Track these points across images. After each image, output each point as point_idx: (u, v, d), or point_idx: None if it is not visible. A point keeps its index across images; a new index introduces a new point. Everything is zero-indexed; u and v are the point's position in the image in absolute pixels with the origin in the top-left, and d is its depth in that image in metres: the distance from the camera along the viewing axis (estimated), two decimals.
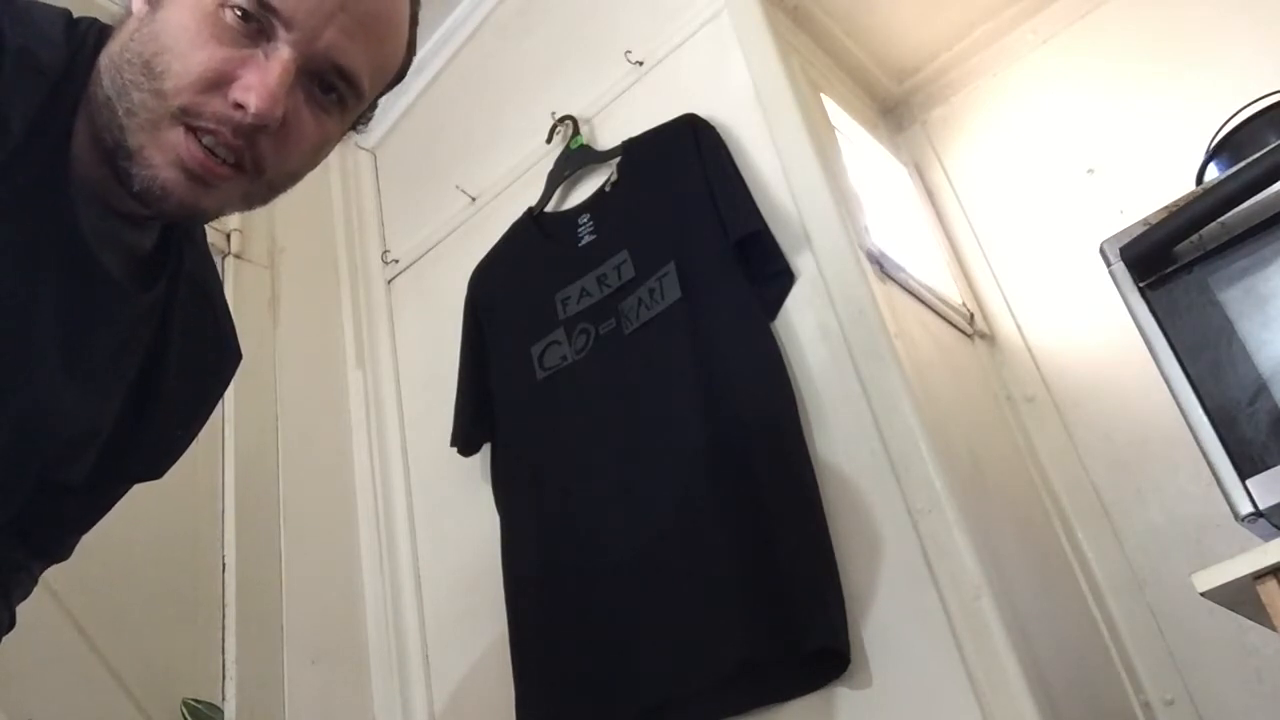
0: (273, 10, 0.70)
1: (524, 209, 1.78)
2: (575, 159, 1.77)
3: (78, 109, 0.72)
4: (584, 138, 1.79)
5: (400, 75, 0.82)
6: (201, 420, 0.92)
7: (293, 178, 0.78)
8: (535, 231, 1.73)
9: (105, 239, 0.75)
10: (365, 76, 0.76)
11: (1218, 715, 1.44)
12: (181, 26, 0.70)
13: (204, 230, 0.88)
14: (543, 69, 1.98)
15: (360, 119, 0.82)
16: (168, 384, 0.83)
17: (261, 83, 0.69)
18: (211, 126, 0.69)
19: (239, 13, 0.70)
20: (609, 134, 1.78)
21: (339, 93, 0.75)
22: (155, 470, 0.90)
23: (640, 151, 1.65)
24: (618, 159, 1.68)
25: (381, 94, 0.82)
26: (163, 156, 0.69)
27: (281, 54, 0.70)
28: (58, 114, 0.70)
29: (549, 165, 1.80)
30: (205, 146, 0.70)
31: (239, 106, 0.69)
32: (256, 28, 0.70)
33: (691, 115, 1.61)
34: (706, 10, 1.72)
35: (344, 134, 0.81)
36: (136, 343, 0.81)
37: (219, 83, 0.69)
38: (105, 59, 0.72)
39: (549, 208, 1.76)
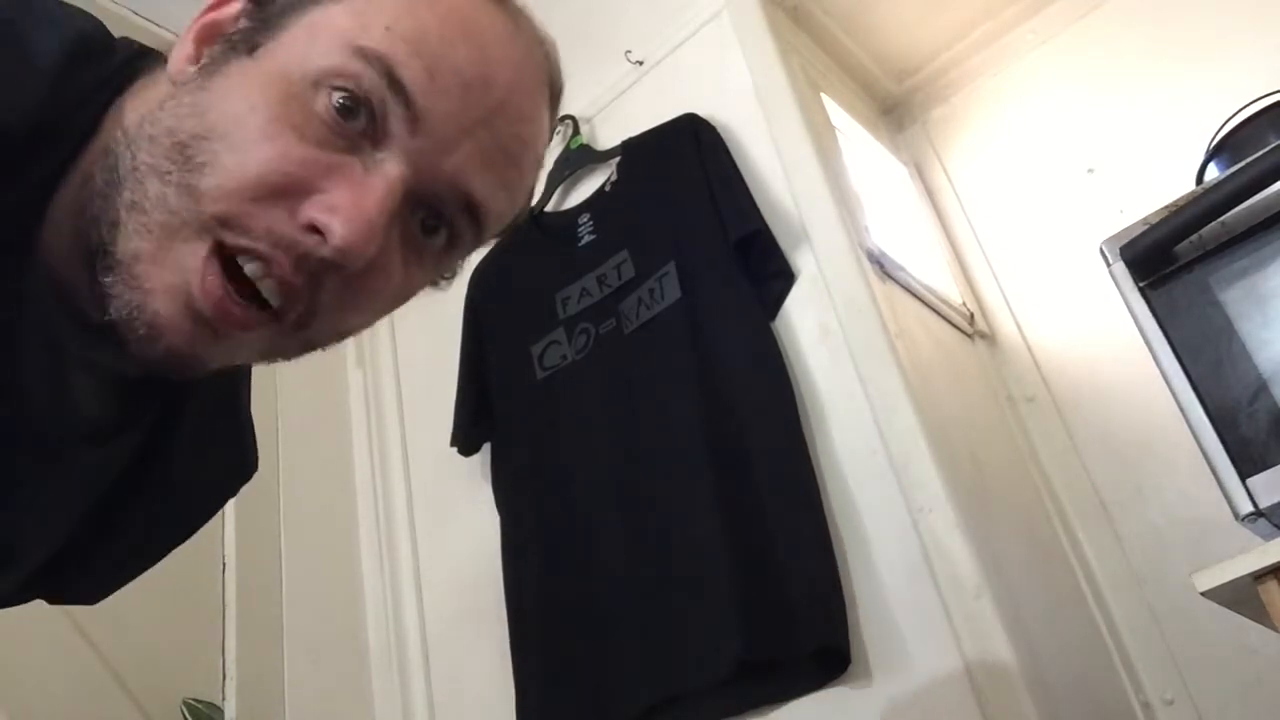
0: (401, 93, 0.50)
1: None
2: (575, 159, 1.77)
3: (60, 181, 0.51)
4: (584, 137, 1.79)
5: (515, 223, 0.63)
6: (169, 549, 0.69)
7: (340, 337, 0.57)
8: (535, 231, 1.72)
9: (72, 363, 0.55)
10: (493, 217, 0.56)
11: (1218, 715, 1.44)
12: (247, 106, 0.49)
13: None
14: None
15: (445, 273, 0.61)
16: (142, 513, 0.63)
17: (355, 204, 0.49)
18: (263, 250, 0.48)
19: (342, 99, 0.49)
20: (609, 134, 1.77)
21: (452, 232, 0.55)
22: (90, 599, 0.68)
23: (640, 151, 1.65)
24: (618, 159, 1.68)
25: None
26: (164, 279, 0.48)
27: (388, 169, 0.50)
28: (15, 188, 0.50)
29: (549, 165, 1.80)
30: (233, 278, 0.49)
31: (314, 230, 0.48)
32: (361, 127, 0.50)
33: (691, 115, 1.61)
34: (706, 10, 1.72)
35: (425, 288, 0.60)
36: (93, 485, 0.60)
37: (288, 192, 0.49)
38: (118, 126, 0.52)
39: (549, 207, 1.76)
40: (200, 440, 0.63)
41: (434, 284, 0.62)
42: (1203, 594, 0.97)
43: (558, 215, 1.74)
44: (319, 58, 0.50)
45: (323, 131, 0.49)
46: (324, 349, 0.58)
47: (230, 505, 1.67)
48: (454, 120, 0.51)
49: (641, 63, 1.79)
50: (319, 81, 0.49)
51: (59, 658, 1.44)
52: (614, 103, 1.81)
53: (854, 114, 1.88)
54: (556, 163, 1.79)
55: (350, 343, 2.16)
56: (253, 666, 1.56)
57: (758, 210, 1.48)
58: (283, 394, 1.86)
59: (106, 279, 0.48)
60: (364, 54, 0.49)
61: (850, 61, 2.01)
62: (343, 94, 0.49)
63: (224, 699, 1.53)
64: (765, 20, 1.65)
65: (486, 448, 1.67)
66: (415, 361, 1.96)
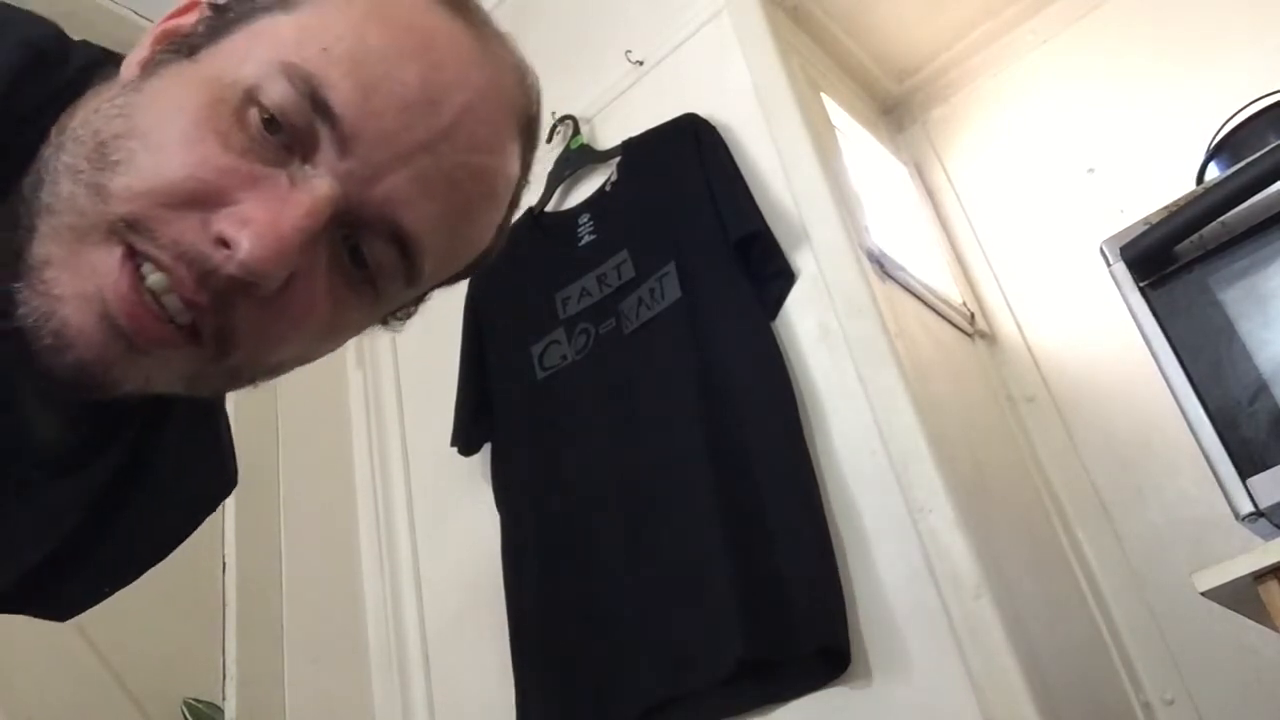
0: (328, 115, 0.46)
1: (524, 209, 1.78)
2: (575, 159, 1.77)
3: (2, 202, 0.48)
4: (584, 138, 1.79)
5: (475, 265, 0.57)
6: (146, 569, 0.64)
7: (272, 372, 0.52)
8: (535, 231, 1.72)
9: (24, 392, 0.50)
10: (429, 254, 0.50)
11: (1218, 715, 1.44)
12: (175, 107, 0.46)
13: None
14: (543, 69, 1.96)
15: (398, 312, 0.58)
16: (121, 534, 0.59)
17: (270, 219, 0.44)
18: (165, 260, 0.44)
19: (263, 115, 0.46)
20: (609, 134, 1.77)
21: (376, 270, 0.49)
22: (61, 618, 0.63)
23: (640, 151, 1.65)
24: (618, 159, 1.68)
25: (441, 285, 0.58)
26: (75, 285, 0.44)
27: (316, 186, 0.46)
28: None
29: (549, 165, 1.80)
30: (148, 289, 0.44)
31: (222, 244, 0.44)
32: (287, 141, 0.46)
33: (692, 115, 1.61)
34: (706, 10, 1.72)
35: (367, 327, 0.56)
36: (65, 514, 0.56)
37: (203, 201, 0.45)
38: (57, 131, 0.48)
39: (549, 207, 1.76)
40: (180, 457, 0.60)
41: (383, 323, 0.58)
42: (1203, 594, 0.97)
43: (558, 215, 1.74)
44: (249, 68, 0.47)
45: (248, 142, 0.46)
46: (255, 385, 0.53)
47: (230, 505, 1.68)
48: (389, 143, 0.47)
49: (641, 63, 1.79)
50: (249, 91, 0.46)
51: (59, 658, 1.44)
52: (614, 103, 1.81)
53: (854, 114, 1.88)
54: (556, 163, 1.79)
55: (350, 343, 2.17)
56: (253, 666, 1.56)
57: (758, 210, 1.48)
58: (283, 394, 1.86)
59: (16, 284, 0.44)
60: (289, 71, 0.46)
61: (850, 61, 2.01)
62: (263, 110, 0.46)
63: (224, 699, 1.53)
64: (765, 20, 1.65)
65: (486, 448, 1.67)
66: (415, 361, 1.96)
